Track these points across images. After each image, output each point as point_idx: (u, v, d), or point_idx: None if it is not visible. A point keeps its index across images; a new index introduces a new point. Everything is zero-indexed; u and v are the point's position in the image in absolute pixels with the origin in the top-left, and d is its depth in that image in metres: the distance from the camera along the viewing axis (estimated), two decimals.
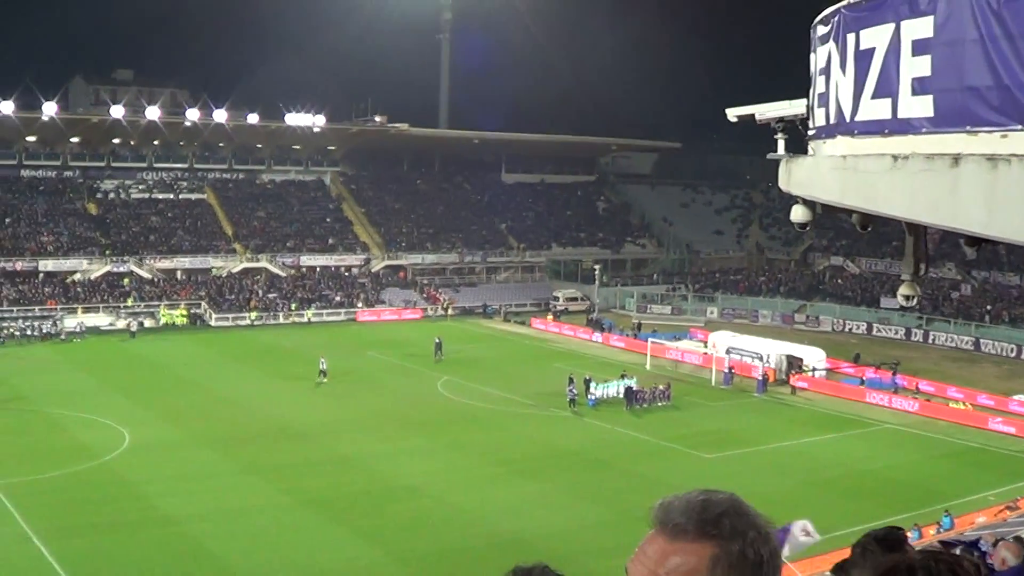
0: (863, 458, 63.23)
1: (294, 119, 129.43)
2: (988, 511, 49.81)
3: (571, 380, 74.83)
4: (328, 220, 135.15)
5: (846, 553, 6.78)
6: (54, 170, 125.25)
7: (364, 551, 44.78)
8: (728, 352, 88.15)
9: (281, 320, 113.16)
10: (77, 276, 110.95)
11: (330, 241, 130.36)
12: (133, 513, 48.45)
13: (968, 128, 7.52)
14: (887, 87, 8.56)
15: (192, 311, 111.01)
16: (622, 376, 78.14)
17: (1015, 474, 59.38)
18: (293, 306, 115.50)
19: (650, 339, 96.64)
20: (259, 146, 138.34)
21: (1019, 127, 7.08)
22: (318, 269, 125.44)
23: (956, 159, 7.55)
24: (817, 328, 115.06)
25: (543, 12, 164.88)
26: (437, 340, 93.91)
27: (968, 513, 49.72)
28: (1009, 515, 46.39)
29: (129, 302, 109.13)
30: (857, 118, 9.18)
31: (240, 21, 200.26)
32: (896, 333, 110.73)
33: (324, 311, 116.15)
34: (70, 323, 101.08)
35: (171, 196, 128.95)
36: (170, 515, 48.34)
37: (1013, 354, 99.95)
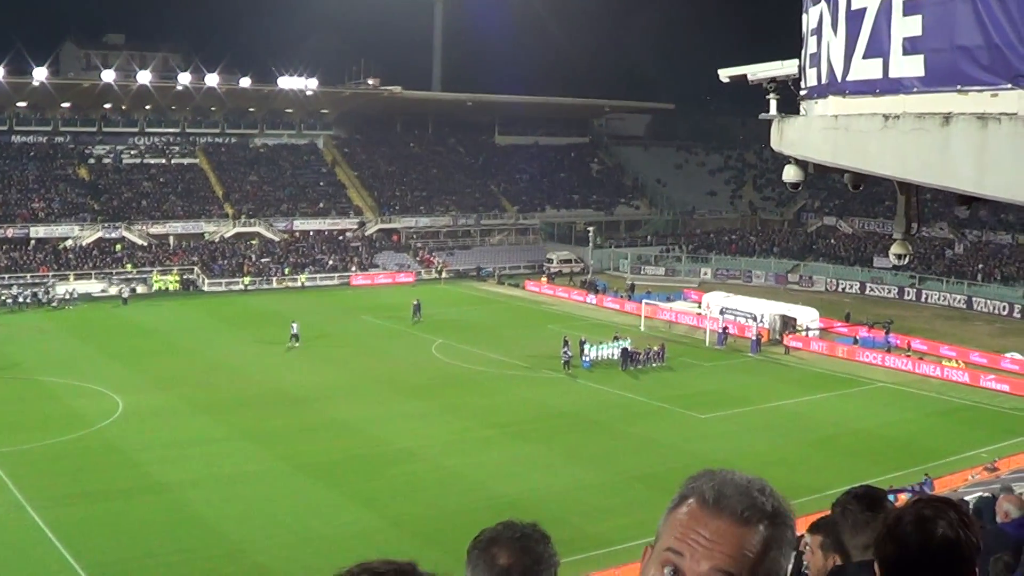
0: (856, 417, 63.50)
1: (286, 82, 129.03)
2: (969, 472, 50.04)
3: (565, 342, 74.96)
4: (321, 184, 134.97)
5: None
6: (45, 135, 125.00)
7: (359, 515, 44.85)
8: (722, 313, 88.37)
9: (274, 285, 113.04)
10: (69, 243, 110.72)
11: (323, 205, 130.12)
12: (127, 481, 48.50)
13: (959, 87, 7.51)
14: (878, 47, 8.54)
15: (185, 277, 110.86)
16: (615, 338, 78.31)
17: (1007, 431, 59.81)
18: (286, 271, 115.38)
19: (644, 300, 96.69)
20: (251, 110, 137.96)
21: (1009, 86, 7.07)
22: (311, 233, 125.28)
23: (947, 118, 7.54)
24: (810, 288, 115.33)
25: None
26: (415, 302, 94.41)
27: (955, 472, 49.89)
28: (988, 476, 46.61)
29: (128, 267, 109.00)
30: (848, 78, 9.17)
31: None
32: (889, 292, 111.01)
33: (318, 275, 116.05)
34: (62, 290, 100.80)
35: (163, 161, 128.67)
36: (164, 482, 48.41)
37: (1005, 312, 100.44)
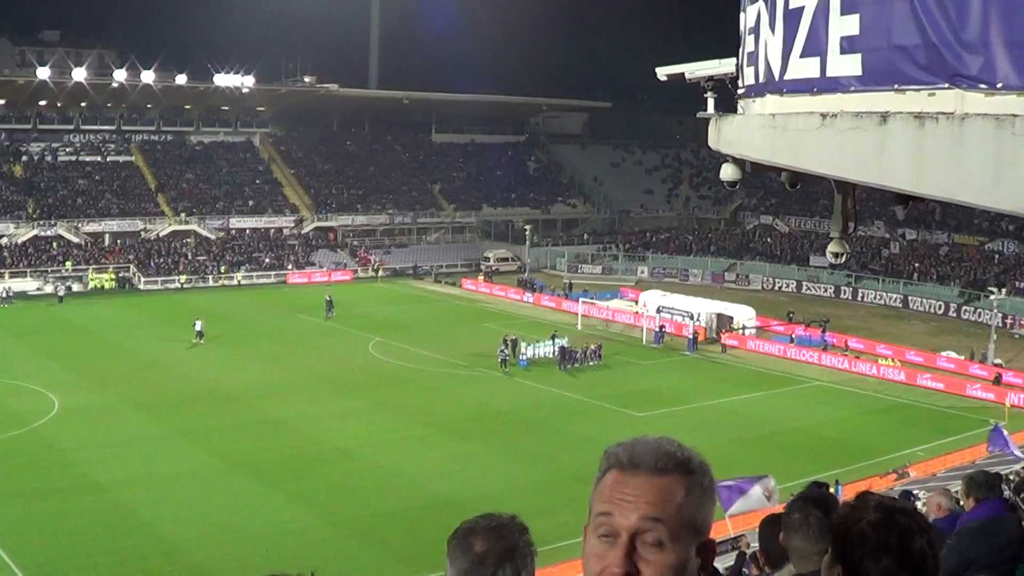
0: (793, 415, 63.89)
1: (223, 80, 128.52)
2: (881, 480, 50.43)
3: (504, 340, 75.00)
4: (258, 182, 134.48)
5: (775, 510, 6.79)
6: None
7: (297, 514, 44.74)
8: (659, 311, 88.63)
9: (211, 283, 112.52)
10: (4, 240, 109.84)
11: (260, 203, 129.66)
12: (63, 480, 48.23)
13: (896, 86, 7.54)
14: (816, 45, 8.57)
15: (121, 275, 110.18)
16: (553, 336, 78.38)
17: (943, 429, 60.33)
18: (223, 269, 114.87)
19: (581, 299, 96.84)
20: (187, 107, 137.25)
21: (946, 86, 7.10)
22: (248, 231, 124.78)
23: (884, 117, 7.57)
24: (747, 287, 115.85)
25: None
26: (328, 298, 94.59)
27: (868, 477, 50.19)
28: (898, 483, 46.97)
29: (66, 266, 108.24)
30: (786, 76, 9.19)
31: None
32: (825, 291, 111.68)
33: (254, 273, 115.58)
34: None
35: (99, 159, 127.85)
36: (100, 482, 48.17)
37: (941, 311, 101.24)
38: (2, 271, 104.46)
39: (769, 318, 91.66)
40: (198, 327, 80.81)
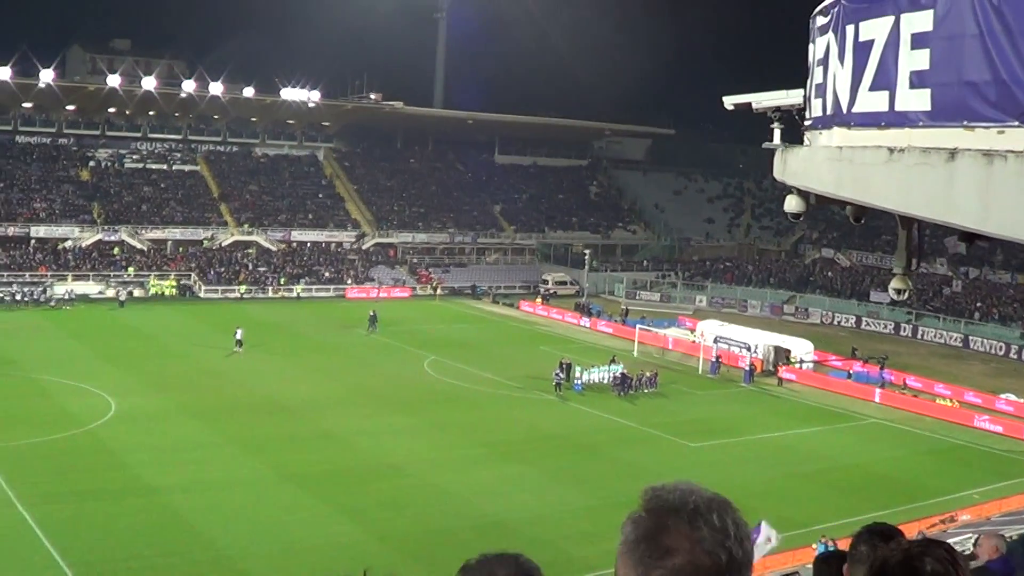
0: (847, 452, 63.31)
1: (289, 94, 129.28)
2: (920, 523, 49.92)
3: (561, 364, 74.84)
4: (320, 196, 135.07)
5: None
6: (49, 137, 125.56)
7: (345, 528, 44.77)
8: (716, 341, 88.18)
9: (270, 294, 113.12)
10: (68, 243, 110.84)
11: (321, 217, 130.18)
12: (116, 482, 48.50)
13: (965, 123, 7.48)
14: (885, 79, 8.52)
15: (181, 282, 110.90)
16: (612, 361, 78.18)
17: (1000, 473, 59.57)
18: (282, 280, 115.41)
19: (638, 326, 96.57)
20: (253, 120, 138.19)
21: (1015, 123, 7.04)
22: (308, 244, 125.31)
23: (952, 153, 7.51)
24: (806, 320, 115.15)
25: None
26: (372, 313, 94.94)
27: (917, 520, 49.67)
28: (946, 527, 46.41)
29: (130, 271, 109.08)
30: (854, 109, 9.14)
31: None
32: (885, 327, 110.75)
33: (313, 287, 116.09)
34: (60, 290, 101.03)
35: (164, 167, 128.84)
36: (152, 485, 48.36)
37: (1001, 352, 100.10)
38: (65, 274, 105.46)
39: (827, 352, 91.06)
40: (238, 336, 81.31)
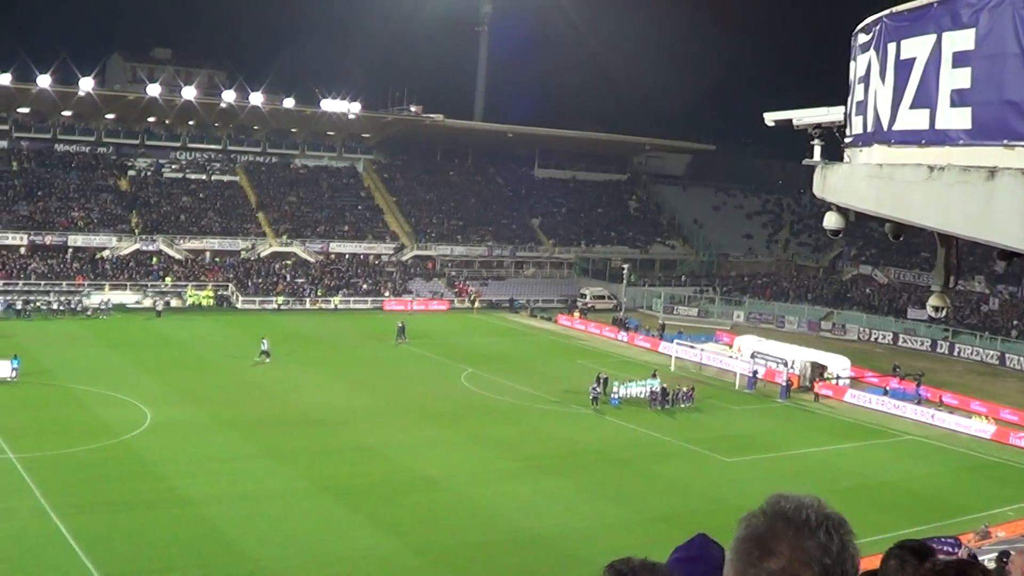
0: (883, 468, 63.12)
1: (329, 105, 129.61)
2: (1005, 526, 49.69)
3: (598, 379, 74.86)
4: (359, 207, 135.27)
5: (864, 566, 6.71)
6: (88, 146, 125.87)
7: (381, 540, 44.79)
8: (753, 357, 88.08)
9: (307, 306, 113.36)
10: (106, 253, 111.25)
11: (360, 229, 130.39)
12: (151, 493, 48.56)
13: (1005, 142, 7.48)
14: (926, 97, 8.52)
15: (219, 293, 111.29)
16: (654, 375, 78.11)
17: None
18: (320, 292, 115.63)
19: (676, 340, 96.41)
20: (293, 130, 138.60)
21: None
22: (347, 256, 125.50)
23: (992, 172, 7.50)
24: (843, 336, 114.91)
25: (582, 9, 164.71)
26: (400, 324, 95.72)
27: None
28: (982, 543, 46.07)
29: (168, 280, 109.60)
30: (895, 127, 9.14)
31: (279, 5, 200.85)
32: (922, 344, 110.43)
33: (351, 299, 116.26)
34: (97, 299, 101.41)
35: (203, 177, 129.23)
36: (187, 496, 48.43)
37: None
38: (103, 283, 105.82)
39: (863, 369, 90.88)
40: (264, 346, 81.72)
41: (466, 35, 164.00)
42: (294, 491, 50.42)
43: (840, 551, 3.25)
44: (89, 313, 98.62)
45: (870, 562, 6.68)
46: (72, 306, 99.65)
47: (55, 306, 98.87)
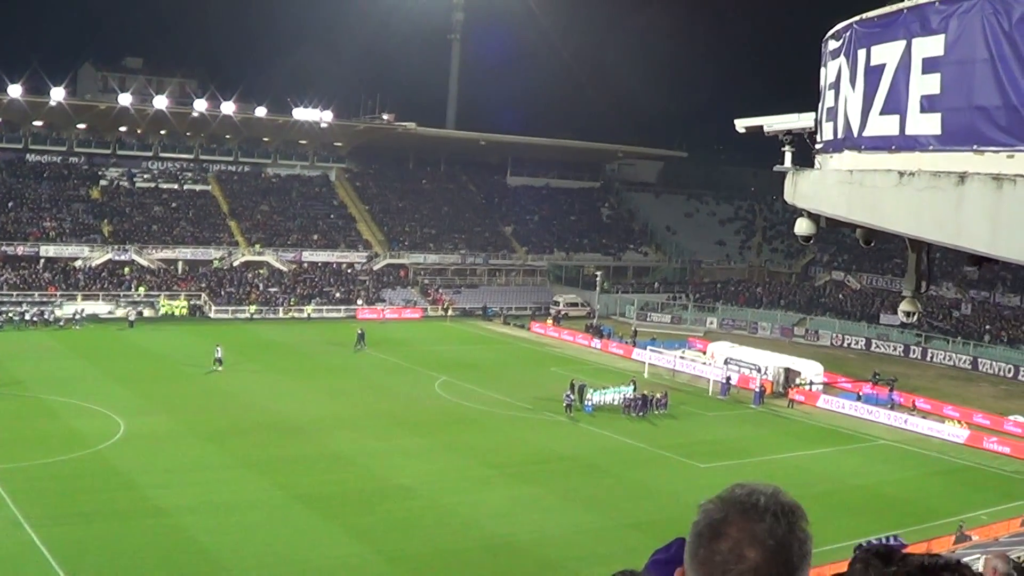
0: (856, 473, 63.31)
1: (302, 114, 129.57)
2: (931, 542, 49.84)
3: (572, 386, 74.94)
4: (331, 216, 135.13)
5: (835, 569, 6.73)
6: (59, 155, 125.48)
7: (356, 549, 44.73)
8: (726, 363, 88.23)
9: (280, 315, 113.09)
10: (78, 263, 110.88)
11: (332, 238, 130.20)
12: (125, 503, 48.38)
13: (975, 147, 7.54)
14: (896, 103, 8.57)
15: (192, 302, 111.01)
16: (632, 383, 78.15)
17: (1009, 494, 59.60)
18: (293, 301, 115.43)
19: (649, 347, 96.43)
20: (265, 139, 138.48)
21: None
22: (319, 265, 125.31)
23: (962, 177, 7.56)
24: (816, 342, 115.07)
25: (555, 17, 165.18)
26: (360, 331, 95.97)
27: (929, 540, 49.50)
28: (958, 546, 46.21)
29: (141, 290, 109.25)
30: (865, 133, 9.19)
31: (251, 14, 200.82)
32: (894, 350, 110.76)
33: (324, 307, 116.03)
34: (69, 309, 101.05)
35: (175, 186, 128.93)
36: (162, 506, 48.28)
37: (1010, 374, 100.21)
38: (75, 293, 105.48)
39: (836, 374, 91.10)
40: (218, 354, 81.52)
41: (438, 43, 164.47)
42: (268, 500, 50.30)
43: (786, 534, 3.36)
44: (62, 324, 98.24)
45: (841, 567, 6.70)
46: (44, 317, 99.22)
47: (27, 317, 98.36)
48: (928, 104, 8.13)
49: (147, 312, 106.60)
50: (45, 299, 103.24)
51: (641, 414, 74.02)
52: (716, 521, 3.40)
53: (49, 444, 56.91)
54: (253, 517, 47.80)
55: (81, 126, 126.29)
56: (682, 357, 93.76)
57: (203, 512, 48.04)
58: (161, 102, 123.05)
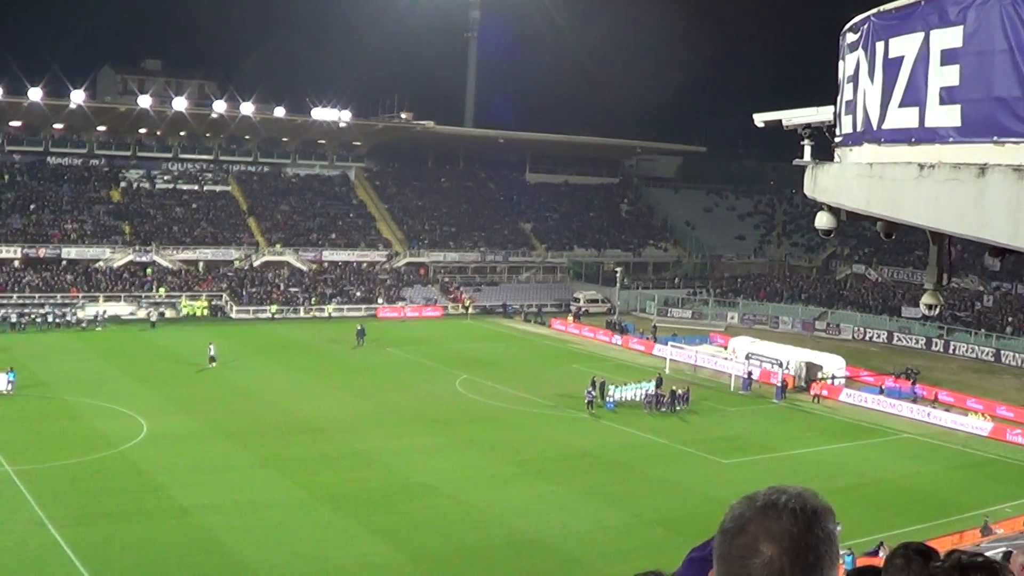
0: (880, 467, 63.07)
1: (320, 113, 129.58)
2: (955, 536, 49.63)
3: (593, 382, 74.89)
4: (351, 215, 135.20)
5: (861, 562, 6.70)
6: (80, 158, 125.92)
7: (378, 548, 44.70)
8: (748, 358, 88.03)
9: (302, 314, 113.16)
10: (100, 264, 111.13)
11: (353, 237, 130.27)
12: (148, 503, 48.44)
13: (995, 138, 7.50)
14: (915, 96, 8.54)
15: (213, 303, 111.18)
16: (658, 380, 77.85)
17: None
18: (314, 300, 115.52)
19: (670, 343, 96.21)
20: (284, 140, 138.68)
21: None
22: (340, 264, 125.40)
23: (982, 169, 7.52)
24: (837, 336, 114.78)
25: (571, 14, 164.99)
26: (360, 328, 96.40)
27: (950, 534, 49.25)
28: (984, 540, 46.00)
29: (162, 291, 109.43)
30: (884, 126, 9.16)
31: (269, 15, 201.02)
32: (916, 342, 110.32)
33: (345, 306, 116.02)
34: (91, 311, 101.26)
35: (196, 187, 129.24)
36: (185, 506, 48.33)
37: None
38: (97, 294, 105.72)
39: (859, 368, 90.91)
40: (212, 352, 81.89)
41: (455, 41, 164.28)
42: (291, 499, 50.32)
43: (804, 532, 3.40)
44: (84, 325, 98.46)
45: (868, 560, 6.68)
46: (67, 318, 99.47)
47: (50, 318, 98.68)
48: (947, 96, 8.10)
49: (168, 313, 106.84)
50: (67, 301, 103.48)
51: (666, 409, 73.95)
52: (739, 518, 3.48)
53: (72, 445, 57.06)
54: (276, 516, 47.81)
55: (101, 128, 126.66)
56: (701, 352, 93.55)
57: (226, 512, 48.09)
58: (180, 103, 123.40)
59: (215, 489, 51.21)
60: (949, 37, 8.06)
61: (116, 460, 55.33)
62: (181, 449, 57.83)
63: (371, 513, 49.09)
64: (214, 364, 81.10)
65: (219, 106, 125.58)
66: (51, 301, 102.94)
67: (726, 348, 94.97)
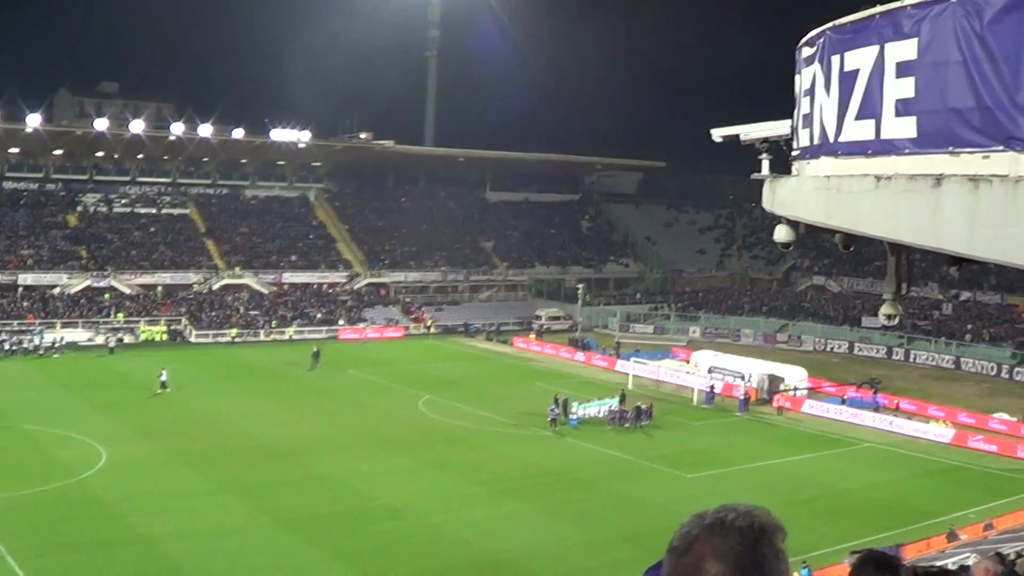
0: (843, 477, 63.44)
1: (279, 135, 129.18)
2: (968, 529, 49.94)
3: (556, 400, 74.86)
4: (311, 237, 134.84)
5: (825, 573, 6.69)
6: (36, 182, 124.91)
7: (342, 572, 44.61)
8: (710, 371, 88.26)
9: (262, 337, 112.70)
10: (57, 290, 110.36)
11: (313, 258, 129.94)
12: (109, 532, 48.13)
13: (950, 149, 7.51)
14: (871, 108, 8.54)
15: (172, 327, 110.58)
16: (621, 396, 77.90)
17: (996, 492, 59.87)
18: (274, 323, 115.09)
19: (632, 359, 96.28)
20: (243, 161, 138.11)
21: (1000, 148, 7.06)
22: (300, 286, 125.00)
23: (938, 180, 7.53)
24: (799, 347, 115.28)
25: (531, 32, 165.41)
26: (315, 350, 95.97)
27: (919, 540, 49.47)
28: (949, 545, 46.34)
29: (118, 317, 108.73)
30: (841, 139, 9.16)
31: (227, 37, 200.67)
32: (877, 352, 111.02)
33: (305, 328, 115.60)
34: (49, 338, 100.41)
35: (154, 211, 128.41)
36: (147, 535, 48.02)
37: (993, 372, 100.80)
38: (54, 321, 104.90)
39: (820, 379, 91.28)
40: (163, 377, 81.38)
41: (415, 60, 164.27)
42: (254, 525, 50.09)
43: (749, 550, 3.39)
44: (41, 352, 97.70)
45: (834, 571, 6.66)
46: (24, 345, 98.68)
47: (6, 346, 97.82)
48: (903, 108, 8.11)
49: (127, 338, 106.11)
50: (24, 328, 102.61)
51: (630, 425, 73.99)
52: (685, 536, 3.49)
53: (30, 474, 56.57)
54: (239, 543, 47.59)
55: (58, 152, 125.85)
56: (662, 367, 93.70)
57: (188, 539, 47.80)
58: (138, 126, 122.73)
59: (176, 517, 50.88)
60: (904, 50, 8.06)
61: (75, 489, 54.92)
62: (141, 477, 57.46)
63: (335, 537, 48.89)
64: (167, 390, 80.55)
65: (177, 128, 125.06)
66: (7, 328, 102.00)
67: (688, 362, 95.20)
